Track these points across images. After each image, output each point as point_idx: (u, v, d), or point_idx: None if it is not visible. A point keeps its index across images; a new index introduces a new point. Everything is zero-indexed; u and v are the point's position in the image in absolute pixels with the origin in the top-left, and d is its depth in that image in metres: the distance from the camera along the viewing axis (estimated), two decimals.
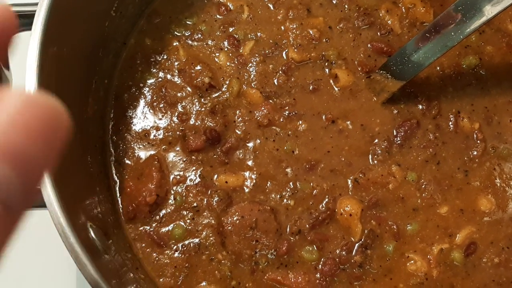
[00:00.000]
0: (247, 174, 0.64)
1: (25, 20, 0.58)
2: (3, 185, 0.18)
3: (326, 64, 0.68)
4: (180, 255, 0.62)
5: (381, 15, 0.70)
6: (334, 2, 0.70)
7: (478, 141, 0.67)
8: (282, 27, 0.69)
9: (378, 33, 0.69)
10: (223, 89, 0.67)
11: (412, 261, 0.62)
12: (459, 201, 0.65)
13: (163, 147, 0.66)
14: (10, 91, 0.18)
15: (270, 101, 0.67)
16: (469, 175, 0.65)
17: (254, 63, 0.68)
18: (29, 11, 0.57)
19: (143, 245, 0.63)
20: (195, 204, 0.63)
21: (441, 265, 0.62)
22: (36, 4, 0.53)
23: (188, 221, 0.63)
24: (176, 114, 0.67)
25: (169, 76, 0.68)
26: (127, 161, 0.66)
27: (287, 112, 0.66)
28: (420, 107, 0.67)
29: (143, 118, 0.67)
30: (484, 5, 0.53)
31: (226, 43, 0.69)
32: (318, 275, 0.61)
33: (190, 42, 0.70)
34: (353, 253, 0.62)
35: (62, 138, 0.19)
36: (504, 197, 0.65)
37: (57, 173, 0.48)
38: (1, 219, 0.18)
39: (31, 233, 0.47)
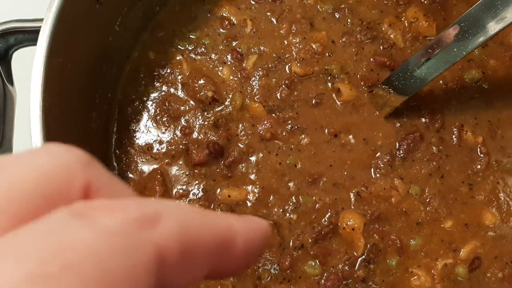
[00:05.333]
0: (249, 188, 0.64)
1: (30, 36, 0.58)
2: None
3: (329, 78, 0.68)
4: None
5: (384, 29, 0.70)
6: (337, 16, 0.71)
7: (482, 155, 0.66)
8: (285, 41, 0.70)
9: (381, 47, 0.69)
10: (226, 103, 0.67)
11: (416, 277, 0.62)
12: (464, 215, 0.64)
13: (166, 160, 0.66)
14: (253, 223, 0.21)
15: (273, 115, 0.67)
16: (474, 189, 0.65)
17: (257, 77, 0.68)
18: (34, 27, 0.57)
19: None
20: None
21: (445, 280, 0.62)
22: (41, 20, 0.54)
23: None
24: (179, 127, 0.67)
25: (172, 90, 0.69)
26: (130, 175, 0.66)
27: (289, 126, 0.66)
28: (423, 120, 0.67)
29: (146, 132, 0.67)
30: (487, 21, 0.53)
31: (229, 57, 0.69)
32: None
33: (193, 56, 0.70)
34: (356, 267, 0.62)
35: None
36: (508, 211, 0.65)
37: None
38: None
39: None
